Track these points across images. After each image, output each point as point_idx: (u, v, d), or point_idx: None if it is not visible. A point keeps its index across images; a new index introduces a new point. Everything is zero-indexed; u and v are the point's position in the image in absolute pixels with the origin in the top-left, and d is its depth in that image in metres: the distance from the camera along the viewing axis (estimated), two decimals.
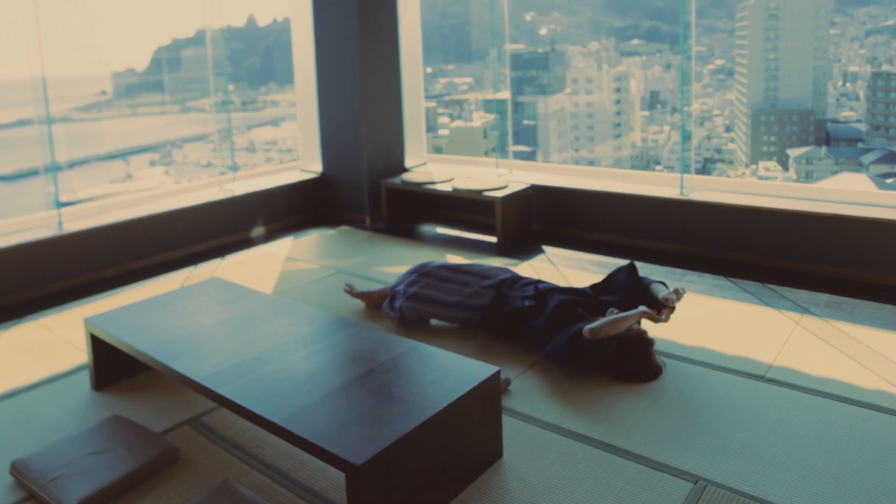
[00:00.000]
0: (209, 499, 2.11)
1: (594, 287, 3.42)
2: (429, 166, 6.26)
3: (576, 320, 3.09)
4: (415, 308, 3.48)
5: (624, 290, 3.30)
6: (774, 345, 3.19)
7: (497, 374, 2.35)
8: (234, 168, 6.10)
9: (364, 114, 5.61)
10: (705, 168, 16.10)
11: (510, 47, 6.85)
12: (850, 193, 4.40)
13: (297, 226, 5.78)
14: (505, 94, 7.18)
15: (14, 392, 3.02)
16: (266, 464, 2.42)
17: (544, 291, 3.32)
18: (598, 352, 2.86)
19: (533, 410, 2.70)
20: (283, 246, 5.17)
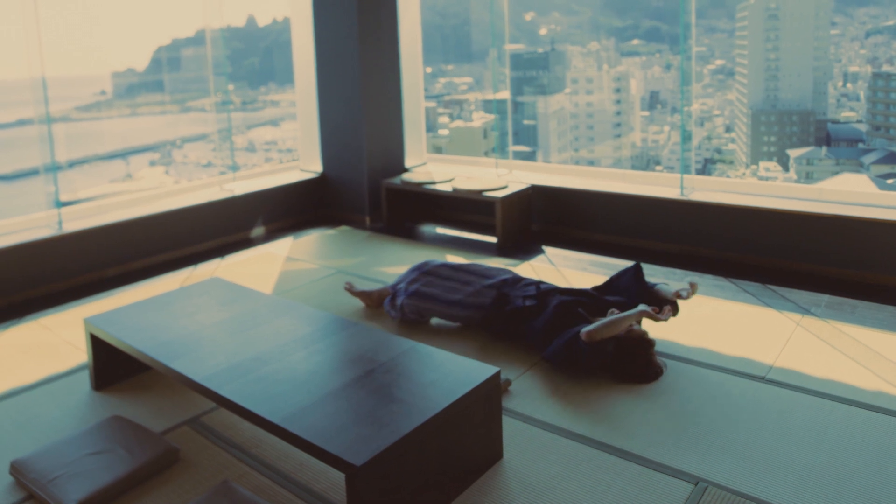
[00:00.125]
0: (209, 499, 2.11)
1: (599, 288, 3.41)
2: (429, 166, 6.25)
3: (576, 321, 3.09)
4: (416, 306, 3.48)
5: (628, 292, 3.30)
6: (775, 346, 3.18)
7: (497, 374, 2.34)
8: (234, 168, 6.09)
9: (364, 114, 5.61)
10: (705, 168, 16.09)
11: (510, 47, 6.85)
12: (850, 194, 4.39)
13: (296, 226, 5.78)
14: (505, 95, 7.18)
15: (14, 392, 3.02)
16: (266, 464, 2.41)
17: (546, 292, 3.32)
18: (596, 354, 2.85)
19: (533, 411, 2.70)
20: (283, 246, 5.16)
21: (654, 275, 4.22)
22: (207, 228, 5.18)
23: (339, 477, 2.30)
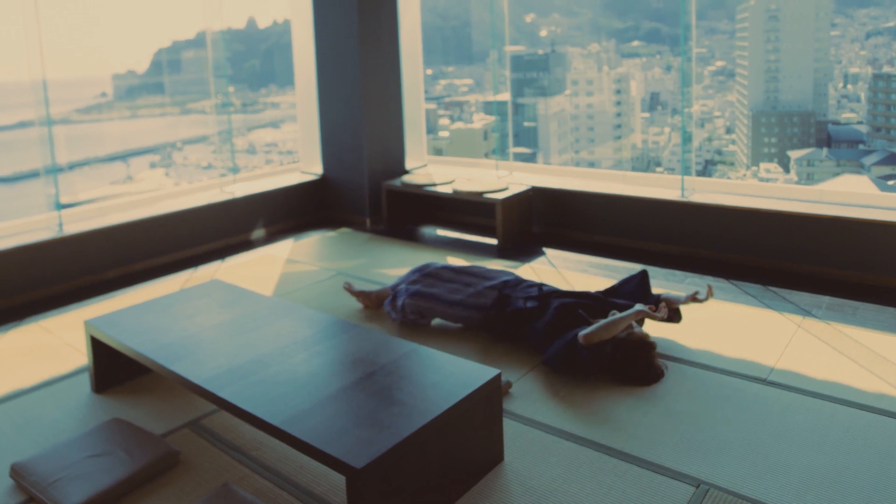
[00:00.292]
0: (209, 502, 2.10)
1: (604, 292, 3.41)
2: (429, 168, 6.25)
3: (577, 322, 3.09)
4: (417, 305, 3.48)
5: (633, 297, 3.31)
6: (776, 347, 3.18)
7: (498, 376, 2.34)
8: (235, 170, 6.09)
9: (364, 116, 5.61)
10: (706, 170, 16.10)
11: (510, 49, 6.85)
12: (851, 195, 4.39)
13: (297, 228, 5.77)
14: (505, 96, 7.18)
15: (14, 394, 3.01)
16: (267, 467, 2.41)
17: (547, 293, 3.33)
18: (594, 358, 2.85)
19: (534, 413, 2.69)
20: (284, 248, 5.16)
21: (655, 276, 4.22)
22: (208, 230, 5.18)
23: (339, 479, 2.30)
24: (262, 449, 2.52)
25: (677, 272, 4.30)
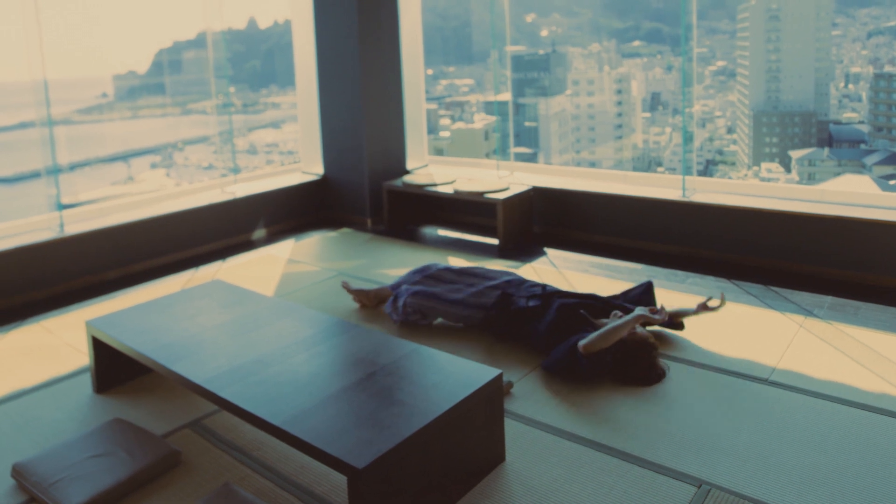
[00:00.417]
0: (210, 502, 2.10)
1: (608, 298, 3.41)
2: (430, 168, 6.25)
3: (579, 323, 3.08)
4: (419, 304, 3.47)
5: (636, 303, 3.32)
6: (778, 347, 3.17)
7: (499, 376, 2.34)
8: (236, 170, 6.09)
9: (365, 116, 5.61)
10: (707, 170, 16.10)
11: (511, 49, 6.85)
12: (852, 195, 4.38)
13: (298, 228, 5.77)
14: (506, 96, 7.18)
15: (15, 395, 3.01)
16: (268, 467, 2.41)
17: (550, 293, 3.33)
18: (594, 366, 2.84)
19: (535, 414, 2.69)
20: (285, 248, 5.16)
21: (656, 276, 4.22)
22: (209, 231, 5.18)
23: (340, 479, 2.30)
24: (263, 449, 2.52)
25: (678, 272, 4.29)
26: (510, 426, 2.58)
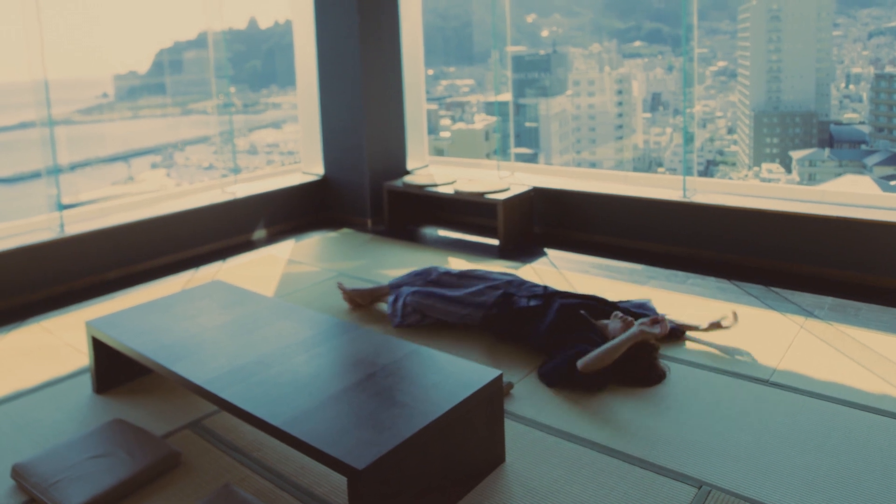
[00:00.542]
0: (210, 503, 2.10)
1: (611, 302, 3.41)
2: (430, 169, 6.25)
3: (580, 324, 3.08)
4: (418, 303, 3.48)
5: (639, 308, 3.34)
6: (778, 348, 3.17)
7: (499, 377, 2.33)
8: (236, 170, 6.09)
9: (365, 116, 5.61)
10: (708, 170, 16.10)
11: (512, 49, 6.85)
12: (853, 196, 4.38)
13: (298, 228, 5.77)
14: (506, 97, 7.18)
15: (15, 395, 3.01)
16: (268, 468, 2.41)
17: (552, 293, 3.33)
18: (592, 383, 2.82)
19: (536, 414, 2.69)
20: (285, 249, 5.16)
21: (657, 277, 4.21)
22: (209, 231, 5.18)
23: (340, 480, 2.30)
24: (264, 450, 2.51)
25: (679, 273, 4.29)
26: (510, 427, 2.58)
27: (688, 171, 4.94)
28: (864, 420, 2.56)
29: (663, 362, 3.01)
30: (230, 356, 2.54)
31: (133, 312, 3.02)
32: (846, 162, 14.30)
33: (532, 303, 3.27)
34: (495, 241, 5.15)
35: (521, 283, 3.49)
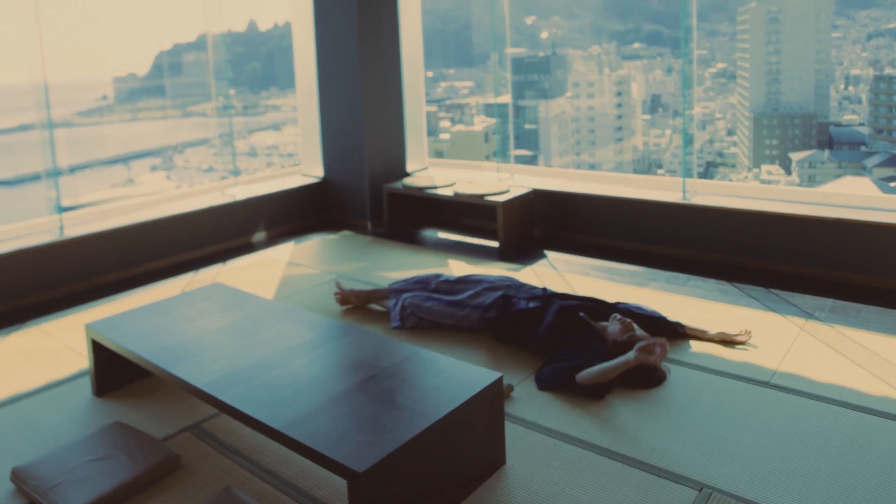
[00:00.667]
0: None
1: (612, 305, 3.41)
2: (430, 171, 6.25)
3: (579, 326, 3.08)
4: (417, 306, 3.49)
5: (639, 309, 3.34)
6: (779, 350, 3.17)
7: (500, 379, 2.33)
8: (236, 173, 6.09)
9: (365, 118, 5.61)
10: (707, 172, 16.09)
11: (511, 51, 6.85)
12: (853, 197, 4.38)
13: (298, 231, 5.77)
14: (506, 99, 7.17)
15: (15, 398, 3.01)
16: (268, 471, 2.40)
17: (551, 295, 3.34)
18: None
19: (536, 417, 2.69)
20: (285, 251, 5.16)
21: (657, 279, 4.21)
22: (209, 233, 5.18)
23: (341, 483, 2.29)
24: (264, 453, 2.51)
25: (679, 275, 4.29)
26: (511, 429, 2.58)
27: (687, 173, 4.94)
28: (865, 422, 2.56)
29: (663, 364, 3.00)
30: (230, 359, 2.54)
31: (133, 315, 3.02)
32: (846, 163, 14.30)
33: (531, 304, 3.27)
34: (495, 244, 5.15)
35: (520, 286, 3.50)
